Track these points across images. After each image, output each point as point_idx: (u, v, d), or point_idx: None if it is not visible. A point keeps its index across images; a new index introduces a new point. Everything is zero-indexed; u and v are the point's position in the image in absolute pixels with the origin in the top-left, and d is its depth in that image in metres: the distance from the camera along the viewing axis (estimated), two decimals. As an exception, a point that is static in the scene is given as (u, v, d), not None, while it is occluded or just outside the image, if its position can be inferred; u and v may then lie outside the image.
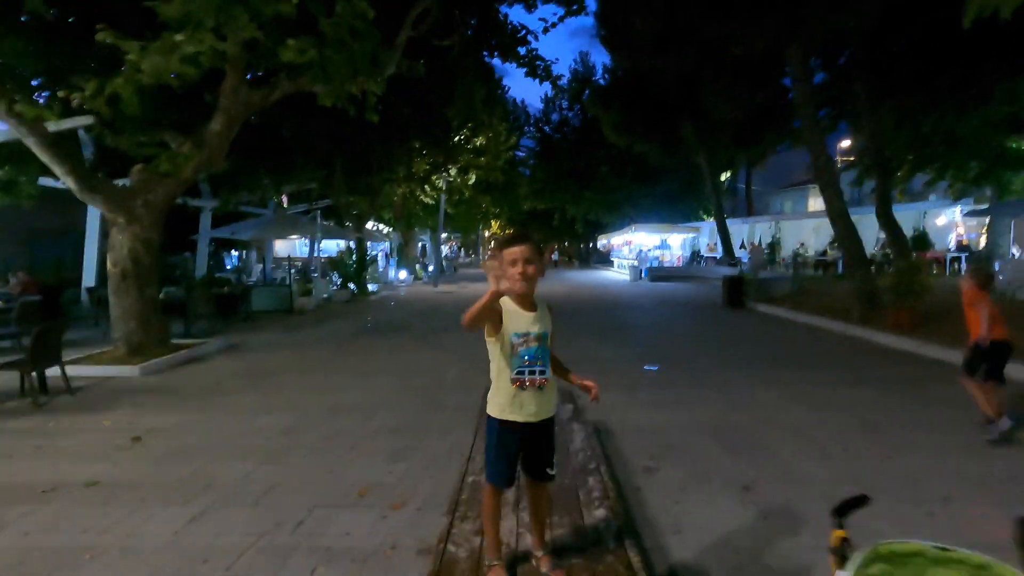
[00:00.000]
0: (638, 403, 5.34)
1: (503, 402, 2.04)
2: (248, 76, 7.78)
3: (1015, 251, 15.80)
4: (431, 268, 25.51)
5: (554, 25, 9.47)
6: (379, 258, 24.48)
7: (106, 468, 3.85)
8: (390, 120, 12.86)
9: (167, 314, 10.04)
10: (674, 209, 33.10)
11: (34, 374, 5.50)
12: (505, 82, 28.99)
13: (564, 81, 30.95)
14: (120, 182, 8.04)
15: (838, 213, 10.61)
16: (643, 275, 23.71)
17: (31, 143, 6.63)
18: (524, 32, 9.06)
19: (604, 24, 16.04)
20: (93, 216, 11.98)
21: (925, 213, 20.34)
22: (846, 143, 24.78)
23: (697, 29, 10.72)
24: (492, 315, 1.97)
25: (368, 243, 20.16)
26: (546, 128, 36.75)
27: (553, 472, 2.16)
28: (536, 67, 8.48)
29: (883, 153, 12.75)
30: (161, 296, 10.47)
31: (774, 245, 25.45)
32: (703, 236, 29.66)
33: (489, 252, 2.17)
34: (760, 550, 2.72)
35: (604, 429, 4.56)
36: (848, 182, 15.79)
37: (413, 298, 17.06)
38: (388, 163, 15.39)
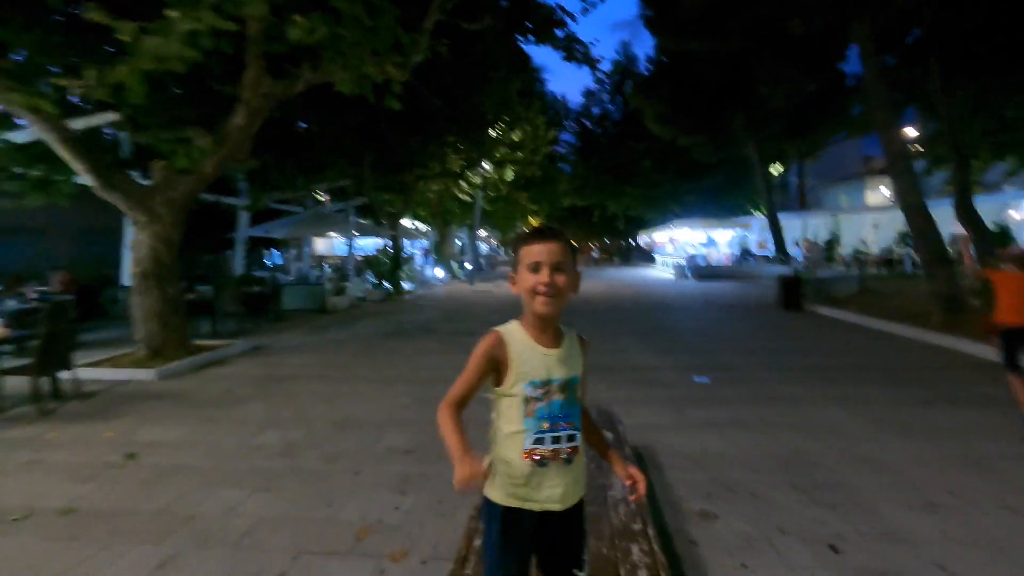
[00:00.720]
0: (688, 424, 4.64)
1: (512, 482, 1.40)
2: (270, 67, 7.43)
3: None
4: (469, 266, 25.12)
5: (594, 5, 8.78)
6: (416, 256, 24.29)
7: (89, 491, 3.46)
8: (421, 114, 12.44)
9: (197, 314, 9.96)
10: (720, 204, 31.62)
11: (44, 379, 5.27)
12: (544, 77, 28.29)
13: (604, 66, 30.05)
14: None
15: (913, 206, 9.47)
16: (688, 273, 22.61)
17: (51, 140, 6.45)
18: (560, 14, 8.39)
19: (649, 2, 15.12)
20: (131, 215, 12.03)
21: (1007, 205, 18.46)
22: (912, 131, 22.94)
23: (751, 3, 9.78)
24: (485, 375, 1.40)
25: (405, 241, 19.92)
26: (586, 122, 35.85)
27: (582, 574, 1.50)
28: (574, 50, 7.83)
29: (959, 140, 11.44)
30: (191, 295, 10.40)
31: (832, 242, 23.84)
32: (752, 232, 28.14)
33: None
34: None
35: (648, 457, 3.90)
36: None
37: (447, 297, 16.64)
38: (421, 159, 14.99)
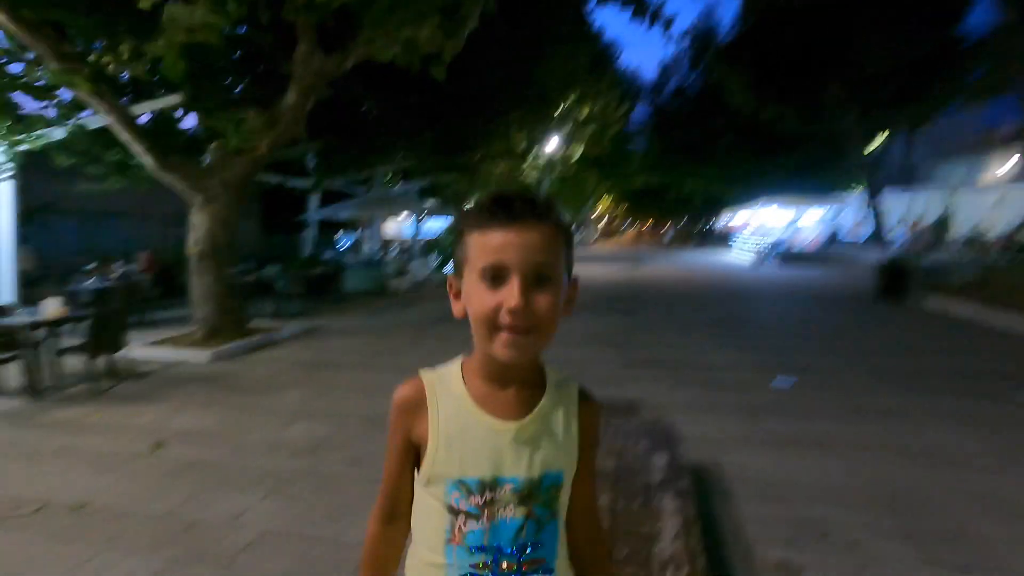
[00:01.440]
0: (764, 439, 3.93)
1: None
2: (322, 43, 7.20)
3: None
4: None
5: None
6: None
7: (106, 484, 3.33)
8: (482, 92, 11.96)
9: (259, 295, 10.16)
10: (809, 182, 28.92)
11: (99, 359, 5.35)
12: (617, 50, 26.87)
13: (679, 30, 28.26)
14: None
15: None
16: (769, 258, 20.90)
17: (113, 122, 6.55)
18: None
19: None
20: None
21: None
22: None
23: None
24: (410, 460, 0.85)
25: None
26: (661, 97, 33.98)
27: None
28: (644, 5, 6.99)
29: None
30: (255, 277, 10.62)
31: (944, 222, 21.16)
32: (846, 213, 25.56)
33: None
34: None
35: (713, 480, 3.27)
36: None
37: (510, 280, 16.25)
38: (484, 139, 14.55)
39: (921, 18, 13.64)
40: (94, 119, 8.01)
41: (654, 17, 7.19)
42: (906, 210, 23.00)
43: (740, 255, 25.72)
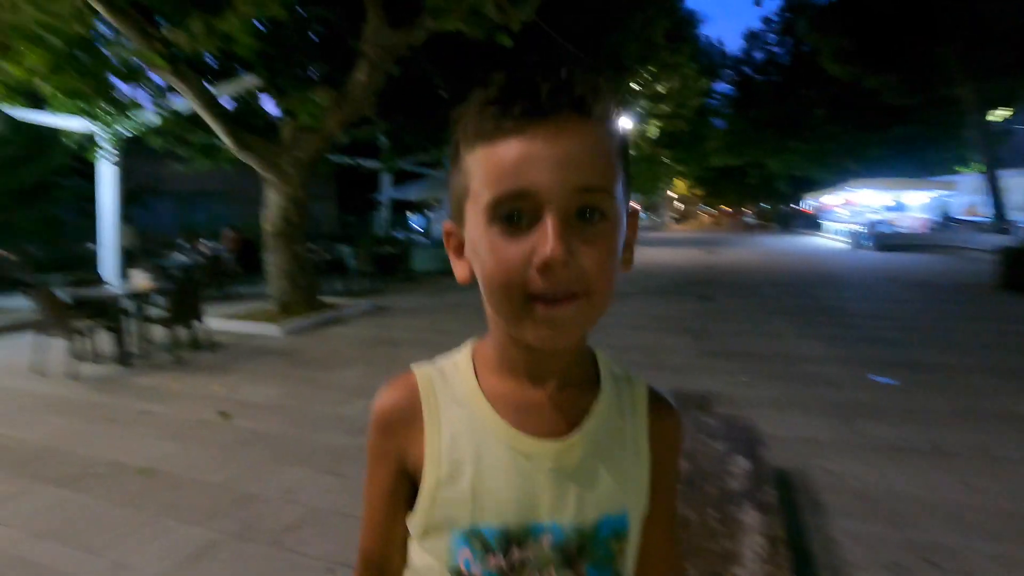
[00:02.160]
0: (863, 444, 3.45)
1: None
2: (390, 19, 7.12)
3: None
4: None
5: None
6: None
7: (174, 451, 3.43)
8: (554, 64, 11.55)
9: (331, 272, 10.45)
10: (914, 160, 26.13)
11: (180, 329, 5.62)
12: (699, 19, 25.30)
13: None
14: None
15: None
16: (867, 242, 19.12)
17: (195, 104, 6.81)
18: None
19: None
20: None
21: None
22: None
23: None
24: (396, 496, 0.57)
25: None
26: (746, 69, 31.83)
27: None
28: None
29: None
30: (328, 255, 10.94)
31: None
32: (959, 194, 22.87)
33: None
34: None
35: (802, 487, 2.87)
36: None
37: (578, 263, 15.85)
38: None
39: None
40: (181, 102, 8.45)
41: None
42: (1032, 191, 20.25)
43: (832, 240, 23.79)
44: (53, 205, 12.02)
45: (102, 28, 6.56)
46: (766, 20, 30.63)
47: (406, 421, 0.55)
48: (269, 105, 9.46)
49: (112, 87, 7.05)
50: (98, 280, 6.30)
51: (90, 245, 10.00)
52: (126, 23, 5.25)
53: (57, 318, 4.89)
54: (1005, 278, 9.45)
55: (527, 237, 0.45)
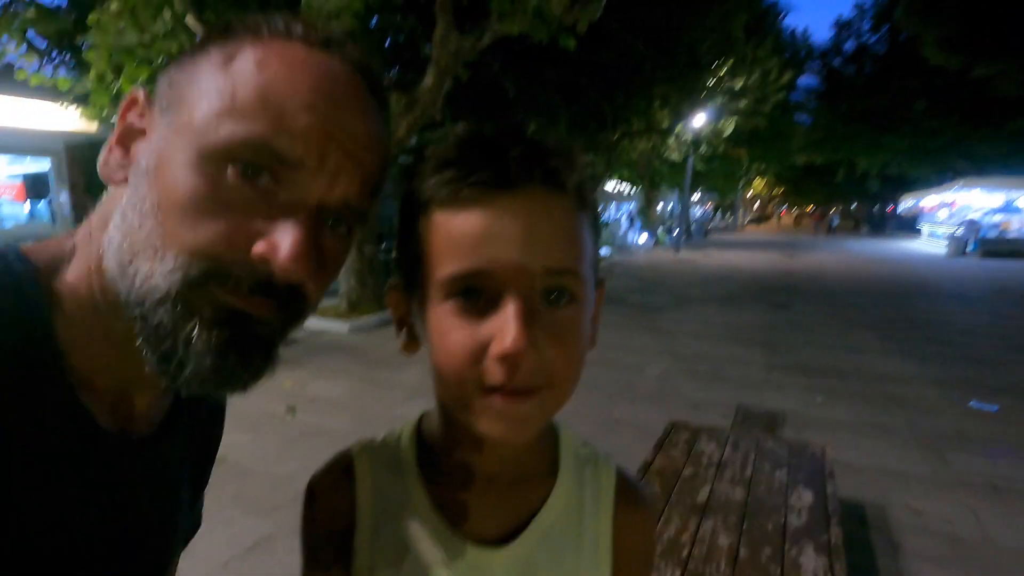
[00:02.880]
0: (952, 480, 3.11)
1: None
2: (459, 24, 7.24)
3: None
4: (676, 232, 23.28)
5: None
6: (622, 220, 23.28)
7: (244, 441, 3.65)
8: (625, 64, 11.31)
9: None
10: (1031, 157, 23.42)
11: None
12: (782, 9, 23.94)
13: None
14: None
15: None
16: (970, 248, 17.38)
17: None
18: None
19: None
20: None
21: None
22: None
23: None
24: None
25: (612, 204, 19.09)
26: (835, 61, 29.80)
27: None
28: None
29: None
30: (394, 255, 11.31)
31: None
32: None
33: None
34: None
35: (878, 525, 2.63)
36: None
37: (646, 265, 15.47)
38: (625, 115, 13.86)
39: None
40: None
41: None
42: None
43: (929, 245, 21.83)
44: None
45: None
46: (859, 7, 28.45)
47: (339, 512, 0.52)
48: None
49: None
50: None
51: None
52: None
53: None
54: None
55: (485, 320, 0.40)
